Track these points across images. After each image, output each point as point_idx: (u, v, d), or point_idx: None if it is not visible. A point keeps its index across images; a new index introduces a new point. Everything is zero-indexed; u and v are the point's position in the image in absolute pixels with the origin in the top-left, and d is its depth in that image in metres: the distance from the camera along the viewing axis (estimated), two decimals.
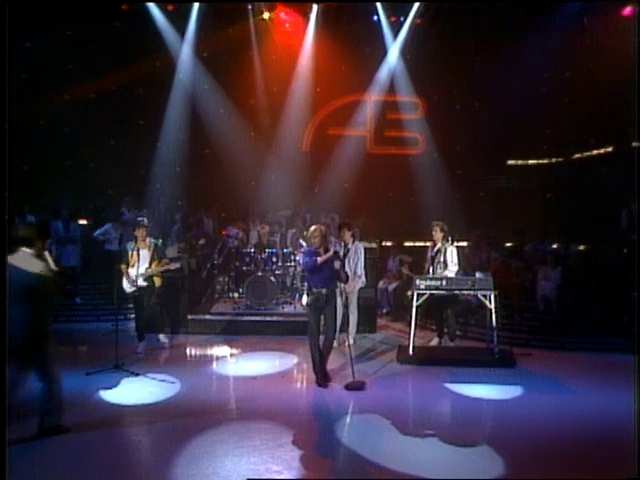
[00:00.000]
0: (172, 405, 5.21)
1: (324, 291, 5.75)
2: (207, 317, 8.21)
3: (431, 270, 7.24)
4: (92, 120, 10.66)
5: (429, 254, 7.37)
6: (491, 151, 11.71)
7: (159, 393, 5.49)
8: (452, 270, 7.13)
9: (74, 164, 11.27)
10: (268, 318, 8.08)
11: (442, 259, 7.18)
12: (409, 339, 6.75)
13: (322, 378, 5.75)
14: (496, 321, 6.59)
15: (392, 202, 12.26)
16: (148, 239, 6.89)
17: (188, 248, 9.25)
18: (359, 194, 11.89)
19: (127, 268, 6.78)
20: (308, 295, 5.82)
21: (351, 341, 7.31)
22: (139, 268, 6.70)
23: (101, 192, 11.08)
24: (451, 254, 7.19)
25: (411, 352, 6.72)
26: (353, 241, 7.49)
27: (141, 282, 6.78)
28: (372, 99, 12.66)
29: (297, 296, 8.90)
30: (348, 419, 5.02)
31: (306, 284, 6.14)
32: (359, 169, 11.89)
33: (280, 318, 8.08)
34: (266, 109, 12.21)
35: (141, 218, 7.13)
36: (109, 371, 5.97)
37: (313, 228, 5.90)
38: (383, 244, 10.58)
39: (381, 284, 9.77)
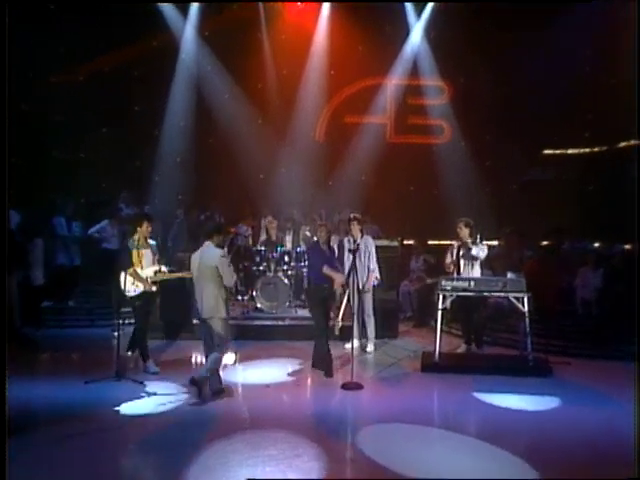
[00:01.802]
0: (182, 415, 5.32)
1: (326, 285, 6.24)
2: None
3: (456, 271, 7.32)
4: (82, 106, 10.67)
5: (451, 253, 7.43)
6: (525, 139, 11.65)
7: (167, 402, 5.61)
8: (481, 256, 7.19)
9: (63, 154, 11.30)
10: (280, 322, 8.19)
11: (470, 255, 7.24)
12: (434, 345, 6.83)
13: (329, 369, 6.31)
14: (530, 326, 6.62)
15: (414, 196, 12.28)
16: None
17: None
18: (378, 188, 11.93)
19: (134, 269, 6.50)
20: (308, 289, 6.15)
21: (370, 348, 7.62)
22: (144, 270, 6.53)
23: (94, 186, 11.15)
24: (481, 249, 7.26)
25: (436, 359, 6.79)
26: (362, 236, 7.63)
27: (147, 287, 6.55)
28: (392, 83, 12.69)
29: None
30: (370, 429, 5.10)
31: (306, 277, 6.50)
32: (378, 160, 11.91)
33: (293, 322, 8.16)
34: (276, 94, 12.27)
35: (144, 212, 7.09)
36: (110, 380, 6.07)
37: (320, 223, 6.73)
38: (405, 242, 10.65)
39: (403, 286, 9.86)
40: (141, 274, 6.48)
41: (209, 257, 5.70)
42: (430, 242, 10.95)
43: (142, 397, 5.75)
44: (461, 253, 7.38)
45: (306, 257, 6.72)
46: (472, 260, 7.28)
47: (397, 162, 12.03)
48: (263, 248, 8.98)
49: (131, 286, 6.46)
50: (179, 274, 6.62)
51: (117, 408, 5.45)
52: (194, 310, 6.24)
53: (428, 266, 10.06)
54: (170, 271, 6.66)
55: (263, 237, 9.75)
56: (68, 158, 11.28)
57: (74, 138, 11.16)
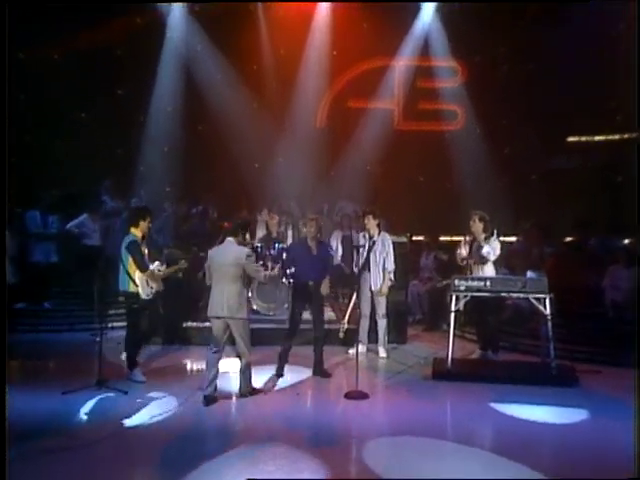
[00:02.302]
0: (171, 427, 5.29)
1: (310, 283, 6.34)
2: (207, 325, 8.17)
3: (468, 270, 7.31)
4: (57, 87, 10.58)
5: (462, 249, 7.42)
6: (547, 125, 11.60)
7: (155, 414, 5.56)
8: (491, 258, 7.17)
9: (37, 141, 11.20)
10: (279, 326, 8.13)
11: (480, 252, 7.21)
12: (446, 351, 6.82)
13: (281, 369, 6.64)
14: (552, 331, 6.60)
15: (424, 188, 12.29)
16: None
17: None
18: (385, 179, 11.94)
19: (132, 270, 6.39)
20: (291, 285, 6.38)
21: (382, 353, 7.69)
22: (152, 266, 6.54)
23: (72, 176, 11.00)
24: (494, 247, 7.22)
25: (449, 366, 6.79)
26: (379, 232, 7.61)
27: (156, 285, 6.58)
28: (401, 64, 12.71)
29: None
30: (378, 442, 5.08)
31: (289, 273, 6.86)
32: (385, 149, 11.91)
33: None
34: (273, 76, 12.28)
35: (145, 207, 6.95)
36: (91, 389, 6.03)
37: (311, 217, 6.75)
38: (414, 238, 10.65)
39: (412, 286, 9.86)
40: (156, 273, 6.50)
41: (232, 255, 5.85)
42: (442, 238, 11.00)
43: (126, 408, 5.69)
44: (473, 250, 7.37)
45: (286, 253, 6.88)
46: (483, 258, 7.25)
47: (406, 150, 12.03)
48: (259, 245, 8.93)
49: (147, 288, 6.42)
50: (175, 267, 6.71)
51: (98, 421, 5.42)
52: (196, 311, 6.27)
53: (440, 264, 10.10)
54: (165, 266, 6.71)
55: (261, 233, 9.77)
56: (43, 145, 11.20)
57: (50, 122, 11.10)
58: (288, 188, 11.55)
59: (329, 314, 9.04)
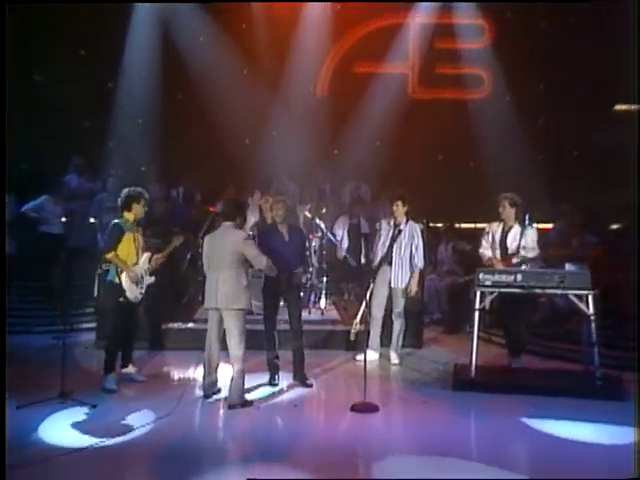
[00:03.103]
0: (147, 446, 5.26)
1: (283, 276, 6.54)
2: (190, 326, 8.33)
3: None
4: (7, 48, 10.57)
5: (487, 238, 7.42)
6: (591, 91, 11.55)
7: (128, 431, 5.50)
8: (529, 255, 7.12)
9: None
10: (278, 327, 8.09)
11: (516, 244, 7.15)
12: (470, 356, 6.77)
13: (273, 378, 6.75)
14: (596, 334, 6.57)
15: (444, 168, 12.30)
16: None
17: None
18: (397, 156, 11.90)
19: (124, 261, 6.58)
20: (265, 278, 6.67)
21: (395, 359, 7.81)
22: (141, 261, 6.74)
23: (30, 152, 11.03)
24: (531, 237, 7.17)
25: (473, 374, 6.75)
26: (407, 220, 7.65)
27: (148, 279, 6.79)
28: (417, 22, 12.70)
29: (313, 298, 8.99)
30: (387, 463, 5.05)
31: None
32: (397, 121, 11.89)
33: (289, 327, 8.05)
34: (265, 36, 12.24)
35: (136, 189, 6.90)
36: (53, 403, 5.97)
37: (278, 199, 6.98)
38: (431, 225, 10.77)
39: (429, 281, 9.90)
40: (136, 269, 6.66)
41: (230, 240, 6.12)
42: (464, 225, 11.08)
43: (96, 424, 5.64)
44: (500, 239, 7.32)
45: (258, 241, 7.06)
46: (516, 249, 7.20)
47: (422, 123, 12.01)
48: (251, 233, 8.86)
49: (135, 288, 6.64)
50: (168, 249, 6.96)
51: (61, 439, 5.31)
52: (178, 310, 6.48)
53: (461, 255, 10.13)
54: (157, 249, 6.94)
55: (253, 219, 9.77)
56: None
57: None
58: (283, 166, 11.57)
59: (331, 313, 8.99)
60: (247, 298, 6.14)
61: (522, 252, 7.15)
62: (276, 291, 6.77)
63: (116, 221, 6.64)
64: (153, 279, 6.85)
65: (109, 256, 6.52)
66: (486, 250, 7.40)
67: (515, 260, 7.14)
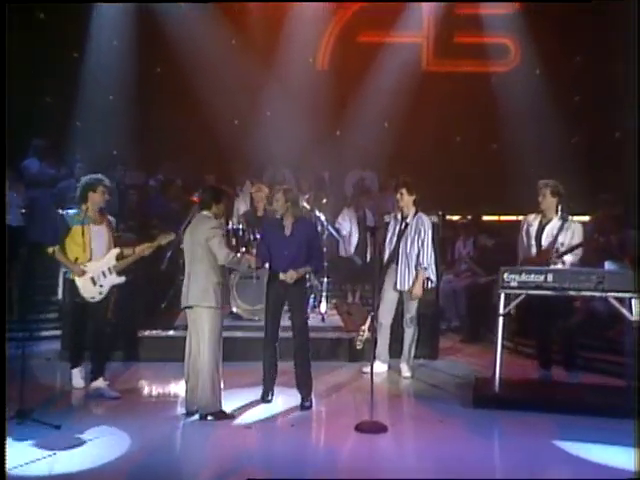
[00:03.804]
0: (119, 474, 5.19)
1: (283, 276, 6.50)
2: (170, 334, 8.31)
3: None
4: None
5: (522, 232, 7.36)
6: (636, 62, 11.22)
7: (97, 456, 5.41)
8: (568, 260, 7.07)
9: None
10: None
11: (558, 240, 7.09)
12: (493, 369, 6.73)
13: (266, 393, 6.71)
14: None
15: (462, 151, 12.29)
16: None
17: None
18: (408, 139, 11.87)
19: (68, 257, 6.67)
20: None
21: (406, 372, 7.82)
22: (96, 255, 6.75)
23: None
24: (577, 234, 7.13)
25: (496, 389, 6.71)
26: (416, 212, 7.56)
27: (114, 279, 6.81)
28: None
29: (312, 301, 8.97)
30: None
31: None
32: (408, 98, 11.85)
33: (283, 334, 7.94)
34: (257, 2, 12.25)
35: (92, 176, 6.92)
36: (9, 423, 5.79)
37: (277, 188, 6.93)
38: (447, 218, 10.71)
39: (445, 282, 9.89)
40: (90, 266, 6.68)
41: (200, 230, 6.20)
42: (486, 218, 10.99)
43: (58, 448, 5.53)
44: (536, 233, 7.26)
45: (260, 235, 7.18)
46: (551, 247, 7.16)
47: (437, 100, 12.03)
48: (240, 227, 8.85)
49: (92, 287, 6.69)
50: (150, 244, 6.94)
51: (18, 467, 5.20)
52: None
53: (483, 252, 10.00)
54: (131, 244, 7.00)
55: (243, 209, 9.83)
56: None
57: None
58: (278, 150, 11.57)
59: (333, 319, 8.93)
60: (218, 295, 6.13)
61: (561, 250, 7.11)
62: (277, 294, 6.67)
63: (61, 213, 6.74)
64: (122, 279, 6.84)
65: (50, 251, 6.66)
66: (521, 247, 7.38)
67: (555, 256, 7.06)
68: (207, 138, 11.79)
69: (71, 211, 6.74)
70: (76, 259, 6.60)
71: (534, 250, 7.28)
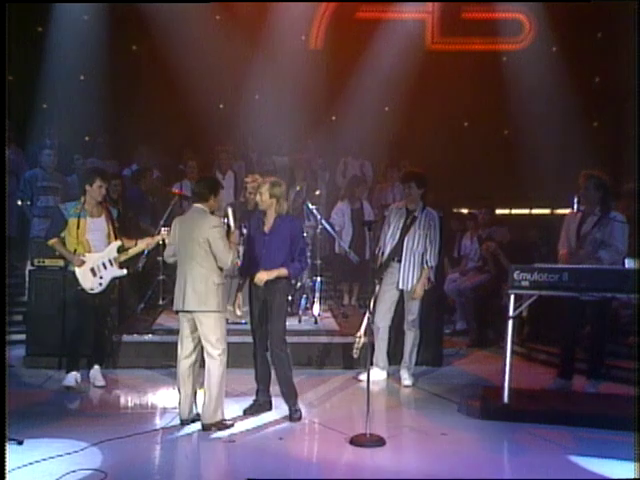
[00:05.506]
0: None
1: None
2: (148, 339, 8.37)
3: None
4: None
5: (565, 226, 7.38)
6: None
7: (64, 474, 5.36)
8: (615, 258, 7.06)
9: None
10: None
11: (597, 237, 7.13)
12: (502, 377, 6.74)
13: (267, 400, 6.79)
14: None
15: (471, 137, 12.35)
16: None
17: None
18: (411, 124, 12.00)
19: (71, 249, 7.19)
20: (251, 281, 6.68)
21: (407, 380, 7.84)
22: (94, 248, 7.25)
23: None
24: (620, 232, 7.12)
25: (506, 399, 6.71)
26: (424, 207, 7.62)
27: (115, 271, 7.36)
28: None
29: (303, 302, 9.02)
30: None
31: (239, 264, 7.15)
32: (411, 80, 11.92)
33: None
34: None
35: (95, 168, 7.52)
36: None
37: (264, 180, 6.86)
38: (454, 211, 10.86)
39: (451, 282, 9.97)
40: (89, 258, 7.19)
41: (199, 227, 6.17)
42: (497, 211, 10.93)
43: (22, 466, 5.51)
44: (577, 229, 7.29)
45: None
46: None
47: (443, 82, 12.14)
48: (226, 220, 8.80)
49: (92, 278, 7.22)
50: (152, 238, 7.51)
51: None
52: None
53: (494, 248, 9.92)
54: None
55: (226, 200, 9.69)
56: None
57: None
58: (267, 138, 11.61)
59: (327, 321, 9.06)
60: (220, 298, 6.21)
61: (600, 252, 7.09)
62: (256, 297, 6.66)
63: (57, 206, 7.36)
64: (124, 272, 7.44)
65: (50, 242, 7.26)
66: (560, 242, 7.40)
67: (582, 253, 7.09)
68: (189, 123, 11.83)
69: (69, 204, 7.30)
70: (75, 251, 7.13)
71: (572, 246, 7.27)
